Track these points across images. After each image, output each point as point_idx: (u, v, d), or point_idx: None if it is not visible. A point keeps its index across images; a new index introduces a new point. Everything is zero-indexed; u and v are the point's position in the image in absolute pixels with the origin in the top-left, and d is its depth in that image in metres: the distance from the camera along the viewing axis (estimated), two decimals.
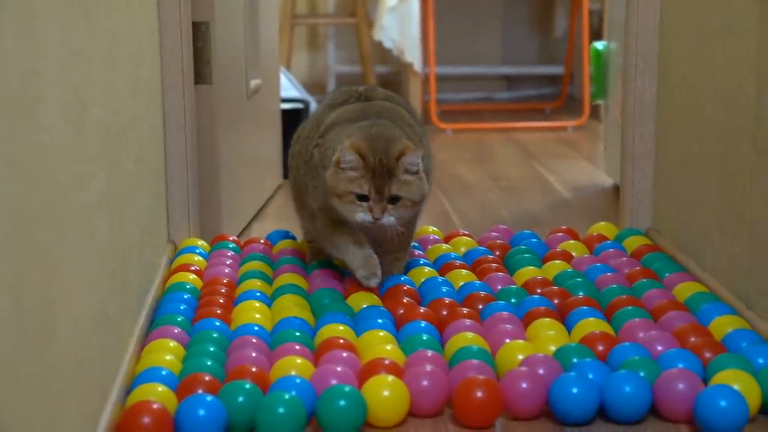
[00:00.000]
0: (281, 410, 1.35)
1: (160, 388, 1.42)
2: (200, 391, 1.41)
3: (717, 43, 1.83)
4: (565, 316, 1.71)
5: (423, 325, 1.65)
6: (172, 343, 1.58)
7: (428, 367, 1.46)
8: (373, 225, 1.72)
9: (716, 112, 1.84)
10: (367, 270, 1.76)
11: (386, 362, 1.49)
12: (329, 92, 2.06)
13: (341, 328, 1.64)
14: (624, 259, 1.99)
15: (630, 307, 1.69)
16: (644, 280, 1.85)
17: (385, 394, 1.41)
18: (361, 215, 1.71)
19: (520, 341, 1.57)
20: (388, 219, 1.71)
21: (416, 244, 2.16)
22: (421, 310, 1.71)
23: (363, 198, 1.71)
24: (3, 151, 0.91)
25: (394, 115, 1.85)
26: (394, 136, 1.75)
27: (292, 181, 1.99)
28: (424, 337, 1.59)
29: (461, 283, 1.88)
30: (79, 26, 1.27)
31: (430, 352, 1.52)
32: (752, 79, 1.66)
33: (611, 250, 2.06)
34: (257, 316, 1.70)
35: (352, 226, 1.77)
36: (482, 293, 1.79)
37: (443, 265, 1.99)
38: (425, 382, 1.44)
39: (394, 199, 1.71)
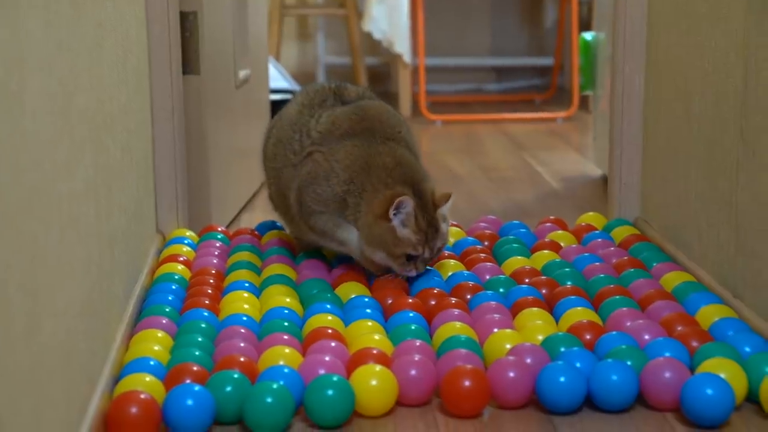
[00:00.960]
0: (269, 400, 1.35)
1: (148, 378, 1.41)
2: (188, 381, 1.41)
3: (705, 32, 1.83)
4: (553, 306, 1.71)
5: (411, 315, 1.65)
6: (160, 333, 1.58)
7: (416, 357, 1.46)
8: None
9: (704, 102, 1.84)
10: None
11: (374, 352, 1.49)
12: (299, 91, 2.04)
13: (329, 318, 1.64)
14: (612, 249, 2.00)
15: (617, 297, 1.70)
16: (632, 269, 1.86)
17: (373, 383, 1.41)
18: (405, 271, 1.78)
19: (508, 330, 1.57)
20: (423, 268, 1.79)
21: None
22: (410, 300, 1.71)
23: (413, 258, 1.76)
24: None
25: (387, 119, 1.86)
26: (426, 178, 1.80)
27: (273, 186, 1.96)
28: (413, 327, 1.60)
29: (450, 273, 1.88)
30: (65, 15, 1.27)
31: (418, 342, 1.52)
32: (740, 68, 1.67)
33: (599, 240, 2.06)
34: (245, 306, 1.70)
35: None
36: (470, 283, 1.79)
37: None
38: (413, 372, 1.44)
39: (437, 252, 1.78)
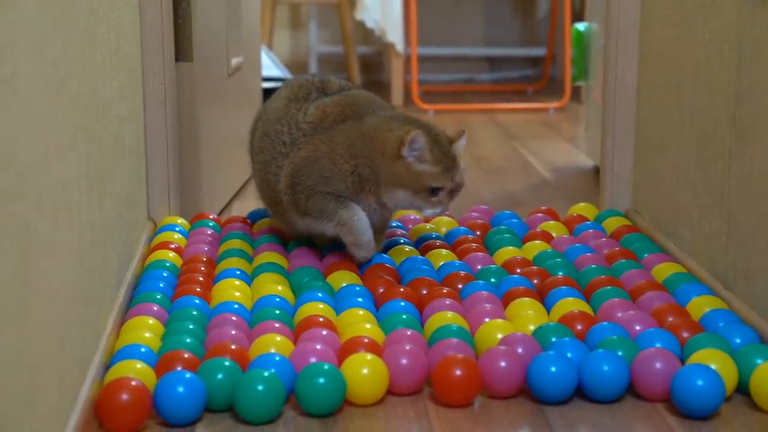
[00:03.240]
0: (260, 387, 1.35)
1: (139, 365, 1.41)
2: (179, 368, 1.41)
3: (698, 23, 1.83)
4: (544, 296, 1.71)
5: (403, 304, 1.65)
6: (151, 321, 1.58)
7: (407, 346, 1.46)
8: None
9: (697, 93, 1.84)
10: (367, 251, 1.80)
11: (365, 340, 1.49)
12: (281, 86, 2.04)
13: (321, 306, 1.64)
14: (603, 239, 2.00)
15: (609, 287, 1.70)
16: (623, 260, 1.86)
17: (364, 372, 1.41)
18: (429, 210, 1.76)
19: (500, 320, 1.57)
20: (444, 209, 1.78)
21: (398, 223, 2.16)
22: (401, 289, 1.71)
23: (437, 191, 1.73)
24: None
25: (374, 103, 1.88)
26: (429, 122, 1.79)
27: (258, 177, 1.96)
28: (404, 316, 1.60)
29: (441, 263, 1.88)
30: (58, 0, 1.26)
31: (409, 331, 1.52)
32: (733, 58, 1.67)
33: (591, 230, 2.07)
34: (237, 294, 1.70)
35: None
36: (462, 273, 1.79)
37: (424, 245, 2.00)
38: (404, 361, 1.44)
39: (459, 186, 1.77)
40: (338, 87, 1.93)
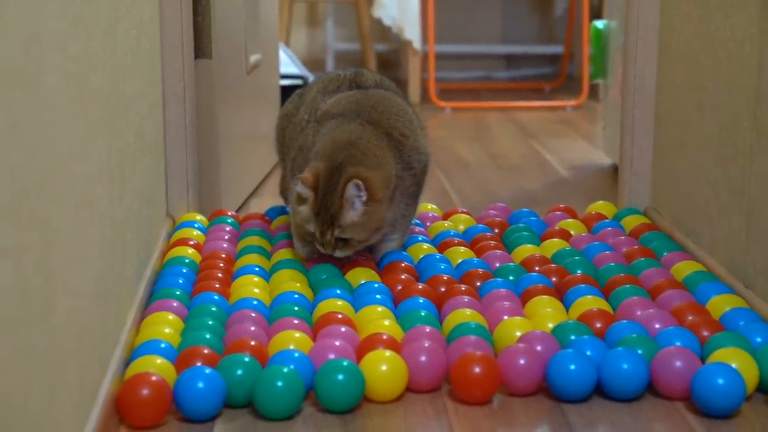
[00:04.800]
0: (279, 384, 1.35)
1: (159, 360, 1.42)
2: (199, 364, 1.42)
3: (719, 21, 1.83)
4: (563, 294, 1.71)
5: (421, 301, 1.65)
6: (171, 316, 1.58)
7: (426, 343, 1.46)
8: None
9: (717, 90, 1.83)
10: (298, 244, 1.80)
11: (384, 337, 1.49)
12: (317, 77, 2.05)
13: (339, 303, 1.64)
14: (622, 237, 2.00)
15: (628, 286, 1.69)
16: (642, 258, 1.85)
17: (383, 368, 1.41)
18: (317, 246, 1.73)
19: (518, 318, 1.57)
20: (341, 254, 1.73)
21: (417, 221, 2.16)
22: (419, 287, 1.71)
23: (312, 234, 1.72)
24: (4, 119, 0.91)
25: (388, 108, 1.84)
26: (349, 166, 1.68)
27: (291, 176, 1.96)
28: (422, 313, 1.59)
29: (459, 260, 1.88)
30: None
31: (428, 328, 1.52)
32: (754, 56, 1.66)
33: (609, 228, 2.06)
34: (255, 290, 1.70)
35: None
36: (480, 270, 1.79)
37: (442, 242, 1.99)
38: (423, 358, 1.44)
39: (342, 240, 1.71)
40: (373, 82, 1.93)
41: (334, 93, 1.89)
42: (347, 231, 1.69)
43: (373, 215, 1.69)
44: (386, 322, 1.56)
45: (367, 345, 1.48)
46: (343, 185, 1.68)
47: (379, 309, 1.61)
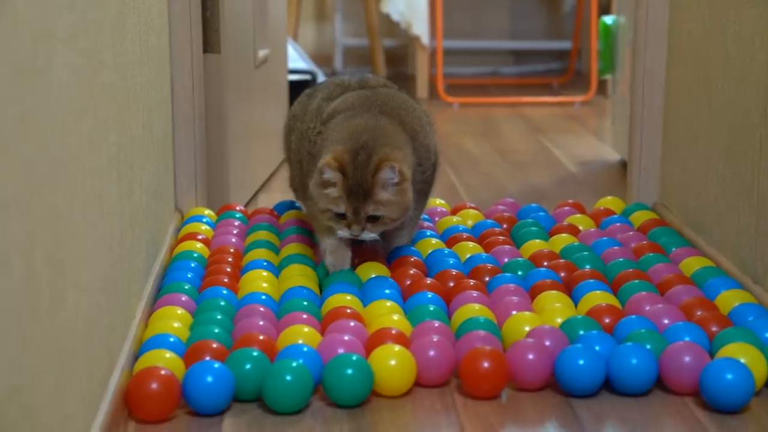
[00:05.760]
0: (288, 378, 1.36)
1: (168, 354, 1.42)
2: (208, 358, 1.42)
3: (728, 16, 1.82)
4: (571, 289, 1.71)
5: (430, 296, 1.65)
6: (180, 311, 1.59)
7: (435, 338, 1.46)
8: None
9: (726, 85, 1.83)
10: (333, 259, 1.76)
11: (393, 332, 1.49)
12: (322, 83, 2.03)
13: (348, 297, 1.64)
14: (631, 233, 1.99)
15: (637, 281, 1.69)
16: (651, 254, 1.85)
17: (392, 363, 1.41)
18: (341, 232, 1.70)
19: (527, 313, 1.57)
20: (368, 236, 1.70)
21: (425, 216, 2.16)
22: (428, 281, 1.71)
23: (341, 216, 1.69)
24: (15, 113, 0.91)
25: (398, 104, 1.84)
26: (378, 147, 1.69)
27: (297, 177, 1.96)
28: (431, 308, 1.59)
29: (468, 255, 1.88)
30: None
31: (437, 323, 1.52)
32: (764, 51, 1.66)
33: (618, 224, 2.06)
34: (264, 285, 1.71)
35: None
36: (489, 265, 1.79)
37: (450, 237, 1.99)
38: (432, 353, 1.44)
39: (373, 218, 1.70)
40: (376, 84, 1.92)
41: (338, 99, 1.89)
42: (381, 208, 1.69)
43: (404, 194, 1.70)
44: (395, 317, 1.56)
45: (376, 340, 1.48)
46: (377, 163, 1.67)
47: (388, 304, 1.62)
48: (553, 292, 1.66)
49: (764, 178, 1.65)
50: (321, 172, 1.68)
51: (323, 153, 1.72)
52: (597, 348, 1.45)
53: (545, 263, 1.84)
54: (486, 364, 1.40)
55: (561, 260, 1.83)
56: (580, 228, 2.07)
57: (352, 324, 1.53)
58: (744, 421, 1.36)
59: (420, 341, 1.46)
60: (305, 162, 1.87)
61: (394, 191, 1.68)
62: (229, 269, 1.78)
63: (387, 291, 1.67)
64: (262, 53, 2.63)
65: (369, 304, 1.63)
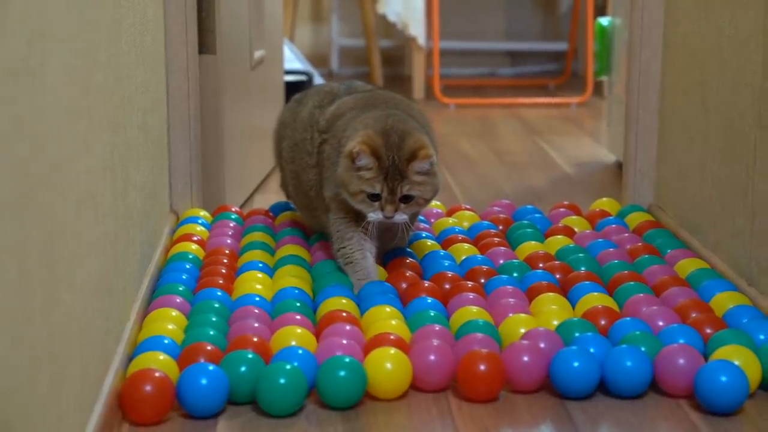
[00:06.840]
0: (282, 380, 1.35)
1: (162, 356, 1.42)
2: (202, 360, 1.41)
3: (724, 18, 1.82)
4: (567, 291, 1.71)
5: (429, 301, 1.64)
6: (174, 312, 1.58)
7: (435, 342, 1.45)
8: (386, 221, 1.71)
9: (721, 88, 1.83)
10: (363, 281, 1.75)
11: (392, 337, 1.49)
12: (308, 91, 2.03)
13: (344, 301, 1.64)
14: (626, 235, 1.99)
15: (632, 283, 1.69)
16: (646, 256, 1.85)
17: (387, 366, 1.41)
18: (373, 214, 1.71)
19: (523, 315, 1.57)
20: (400, 217, 1.71)
21: (421, 217, 2.16)
22: (426, 285, 1.70)
23: (375, 197, 1.70)
24: (9, 113, 0.91)
25: (400, 102, 1.84)
26: (408, 131, 1.72)
27: (292, 186, 1.96)
28: (432, 314, 1.59)
29: (463, 257, 1.88)
30: None
31: (437, 327, 1.52)
32: (759, 53, 1.66)
33: (613, 225, 2.06)
34: (259, 287, 1.70)
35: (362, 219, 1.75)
36: (484, 267, 1.79)
37: (446, 239, 1.99)
38: (432, 357, 1.43)
39: (407, 198, 1.71)
40: (365, 90, 1.92)
41: (330, 105, 1.88)
42: (416, 187, 1.70)
43: (436, 175, 1.73)
44: (393, 322, 1.55)
45: (374, 345, 1.48)
46: (413, 144, 1.69)
47: (388, 309, 1.61)
48: (551, 294, 1.66)
49: (759, 179, 1.65)
50: (352, 157, 1.69)
51: (347, 143, 1.71)
52: (592, 350, 1.45)
53: (541, 265, 1.83)
54: (482, 367, 1.40)
55: (556, 262, 1.83)
56: (576, 229, 2.07)
57: (347, 328, 1.52)
58: (738, 424, 1.36)
59: (420, 346, 1.45)
60: (305, 173, 1.86)
61: (428, 171, 1.71)
62: (224, 271, 1.78)
63: (385, 296, 1.66)
64: (257, 54, 2.62)
65: (368, 309, 1.62)
